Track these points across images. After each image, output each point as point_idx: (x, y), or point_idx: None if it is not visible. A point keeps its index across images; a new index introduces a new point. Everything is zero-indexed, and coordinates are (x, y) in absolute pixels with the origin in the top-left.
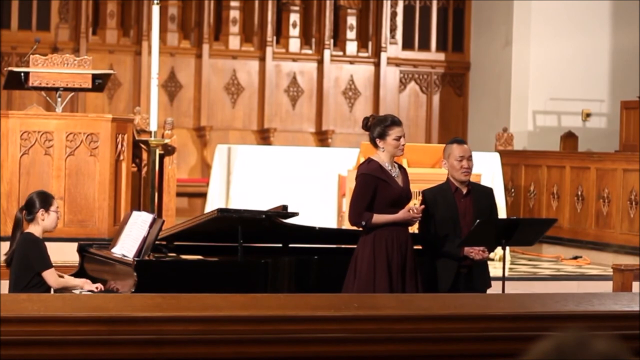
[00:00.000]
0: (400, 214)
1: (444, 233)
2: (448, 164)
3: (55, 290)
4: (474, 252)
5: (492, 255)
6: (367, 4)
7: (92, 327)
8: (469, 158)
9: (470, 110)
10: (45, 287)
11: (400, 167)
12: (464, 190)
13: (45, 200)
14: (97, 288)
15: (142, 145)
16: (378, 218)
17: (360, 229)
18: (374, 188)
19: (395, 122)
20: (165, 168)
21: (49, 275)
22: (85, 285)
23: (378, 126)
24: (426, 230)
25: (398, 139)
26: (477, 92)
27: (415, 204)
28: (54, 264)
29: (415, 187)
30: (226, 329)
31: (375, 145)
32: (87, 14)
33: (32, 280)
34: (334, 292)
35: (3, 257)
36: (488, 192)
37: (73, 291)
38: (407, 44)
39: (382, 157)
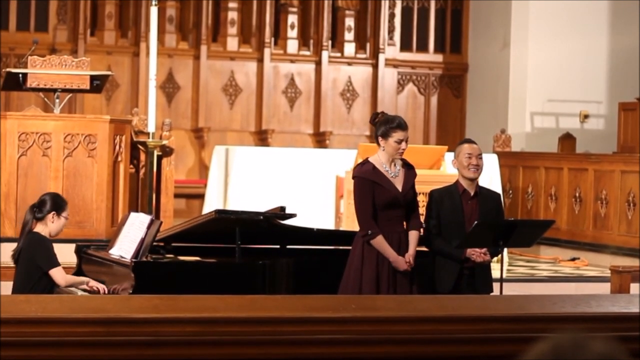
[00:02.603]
0: (399, 261)
1: (448, 234)
2: (457, 163)
3: (50, 290)
4: (475, 254)
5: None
6: (365, 5)
7: (89, 329)
8: (478, 156)
9: (468, 112)
10: (51, 288)
11: (405, 165)
12: (471, 193)
13: (58, 204)
14: (102, 290)
15: (140, 147)
16: (380, 243)
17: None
18: (371, 191)
19: (401, 125)
20: (163, 169)
21: (57, 273)
22: (91, 281)
23: (384, 125)
24: (430, 230)
25: (399, 142)
26: (475, 94)
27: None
28: None
29: None
30: (224, 330)
31: (378, 143)
32: (85, 15)
33: (39, 281)
34: (332, 294)
35: (10, 254)
36: (495, 197)
37: (79, 287)
38: (405, 46)
39: (381, 156)
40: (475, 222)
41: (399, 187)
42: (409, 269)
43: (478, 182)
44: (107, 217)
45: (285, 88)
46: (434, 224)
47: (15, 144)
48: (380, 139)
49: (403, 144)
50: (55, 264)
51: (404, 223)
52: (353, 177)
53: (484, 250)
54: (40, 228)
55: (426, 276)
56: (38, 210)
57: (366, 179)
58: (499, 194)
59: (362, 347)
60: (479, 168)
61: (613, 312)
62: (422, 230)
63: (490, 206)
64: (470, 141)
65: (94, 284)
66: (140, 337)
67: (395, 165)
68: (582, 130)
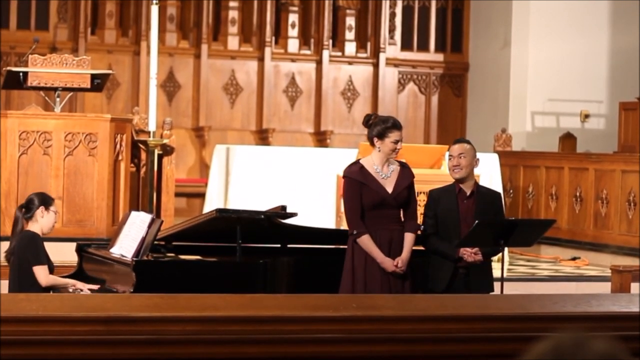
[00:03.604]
0: (386, 262)
1: (443, 233)
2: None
3: (46, 289)
4: (467, 253)
5: None
6: (365, 4)
7: (90, 327)
8: (459, 156)
9: (468, 111)
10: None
11: (402, 166)
12: (468, 192)
13: (44, 200)
14: (92, 288)
15: (141, 145)
16: (366, 242)
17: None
18: (359, 191)
19: (396, 125)
20: (164, 168)
21: (39, 271)
22: (77, 284)
23: (379, 126)
24: (427, 229)
25: (396, 142)
26: (475, 93)
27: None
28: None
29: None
30: (224, 329)
31: (372, 144)
32: (85, 14)
33: (34, 279)
34: (333, 293)
35: (3, 255)
36: (495, 195)
37: (69, 290)
38: (406, 45)
39: (374, 157)
40: (476, 221)
41: (389, 189)
42: (399, 272)
43: (477, 181)
44: (108, 215)
45: (286, 87)
46: (431, 223)
47: (16, 142)
48: (375, 139)
49: (399, 144)
50: (41, 261)
51: (400, 222)
52: (343, 177)
53: (474, 249)
54: (31, 226)
55: (421, 275)
56: (26, 209)
57: (354, 179)
58: (499, 193)
59: (362, 346)
60: (461, 168)
61: (614, 311)
62: (418, 231)
63: (487, 205)
64: (456, 141)
65: (80, 286)
66: (141, 336)
67: (388, 166)
68: (583, 130)
